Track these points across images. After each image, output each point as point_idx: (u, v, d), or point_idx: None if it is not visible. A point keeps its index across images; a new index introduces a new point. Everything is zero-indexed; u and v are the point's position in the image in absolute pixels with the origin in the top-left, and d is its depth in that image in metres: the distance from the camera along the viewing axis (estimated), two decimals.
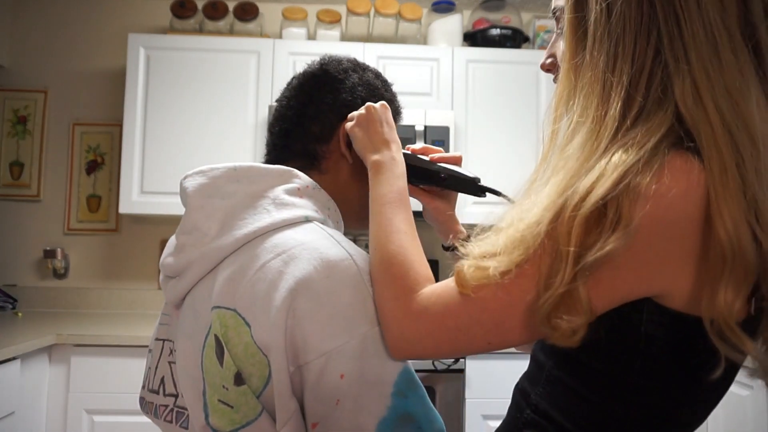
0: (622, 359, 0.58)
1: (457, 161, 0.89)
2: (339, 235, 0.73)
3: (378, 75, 0.89)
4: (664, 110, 0.55)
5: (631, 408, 0.59)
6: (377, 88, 0.87)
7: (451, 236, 0.91)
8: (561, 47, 0.69)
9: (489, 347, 0.61)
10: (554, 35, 0.73)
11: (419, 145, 0.90)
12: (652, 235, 0.52)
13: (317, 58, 0.88)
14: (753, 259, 0.50)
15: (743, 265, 0.49)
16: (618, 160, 0.53)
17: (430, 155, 0.89)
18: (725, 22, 0.54)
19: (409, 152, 0.89)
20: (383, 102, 0.82)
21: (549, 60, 0.73)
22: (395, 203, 0.72)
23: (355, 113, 0.81)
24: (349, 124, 0.81)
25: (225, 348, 0.64)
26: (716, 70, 0.53)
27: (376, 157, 0.77)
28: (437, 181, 0.88)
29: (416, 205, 0.85)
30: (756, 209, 0.51)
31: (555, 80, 0.71)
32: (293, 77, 0.87)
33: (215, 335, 0.65)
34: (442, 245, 0.95)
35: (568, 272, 0.52)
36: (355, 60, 0.88)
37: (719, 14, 0.54)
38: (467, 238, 0.84)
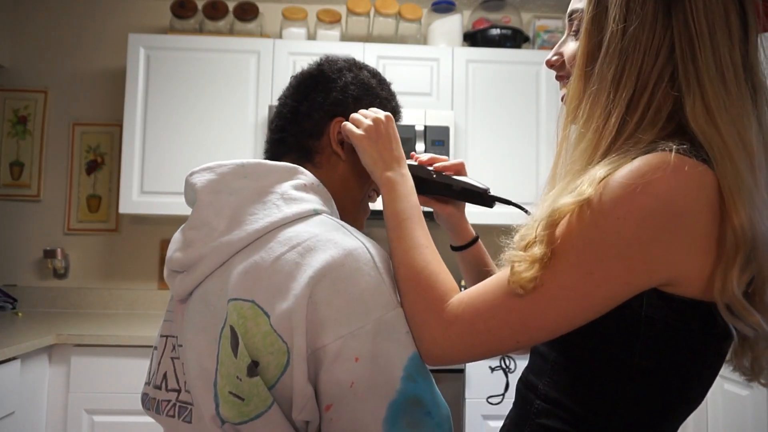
0: (624, 342, 0.62)
1: (460, 168, 0.93)
2: (348, 226, 0.76)
3: (375, 74, 0.90)
4: (654, 129, 0.62)
5: (634, 388, 0.63)
6: (372, 87, 0.88)
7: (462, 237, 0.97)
8: (570, 49, 0.75)
9: (518, 346, 0.65)
10: (564, 35, 0.77)
11: (426, 156, 0.93)
12: (646, 224, 0.57)
13: (318, 59, 0.90)
14: (757, 246, 0.58)
15: (752, 249, 0.57)
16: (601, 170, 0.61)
17: (435, 165, 0.92)
18: (733, 59, 0.61)
19: (416, 163, 0.91)
20: (388, 114, 0.84)
21: (555, 57, 0.77)
22: (413, 219, 0.76)
23: (361, 119, 0.82)
24: (355, 130, 0.81)
25: (240, 339, 0.66)
26: (724, 98, 0.60)
27: (388, 174, 0.79)
28: (449, 192, 0.91)
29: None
30: (751, 206, 0.58)
31: (557, 78, 0.78)
32: (292, 77, 0.90)
33: (231, 326, 0.67)
34: (451, 246, 1.00)
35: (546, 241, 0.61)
36: (353, 60, 0.90)
37: (728, 51, 0.61)
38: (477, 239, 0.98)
